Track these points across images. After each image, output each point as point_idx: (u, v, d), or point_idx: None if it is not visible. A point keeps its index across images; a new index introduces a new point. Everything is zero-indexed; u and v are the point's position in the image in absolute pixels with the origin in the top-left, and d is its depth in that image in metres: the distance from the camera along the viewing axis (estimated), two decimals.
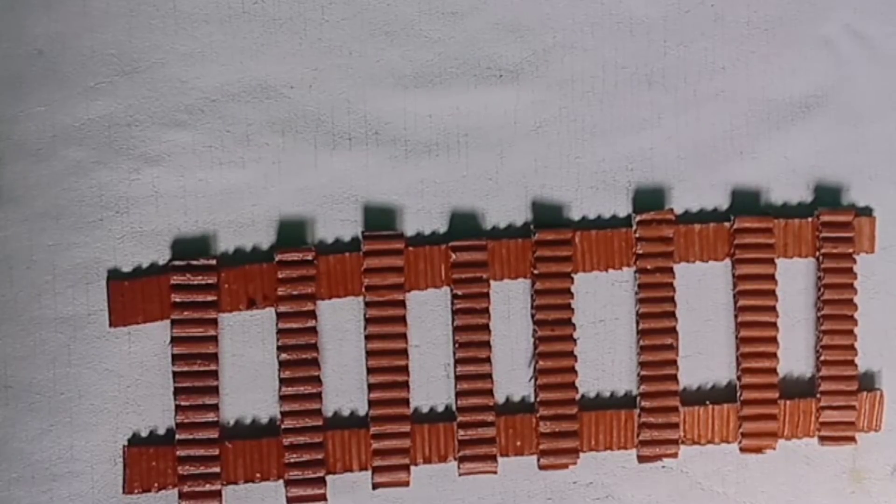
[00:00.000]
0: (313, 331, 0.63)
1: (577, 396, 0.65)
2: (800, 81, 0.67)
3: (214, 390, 0.62)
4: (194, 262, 0.62)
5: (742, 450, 0.66)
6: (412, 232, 0.65)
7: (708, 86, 0.67)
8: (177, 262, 0.62)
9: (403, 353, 0.64)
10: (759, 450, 0.66)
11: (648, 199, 0.66)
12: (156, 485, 0.61)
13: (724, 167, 0.67)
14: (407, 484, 0.63)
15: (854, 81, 0.68)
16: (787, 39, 0.67)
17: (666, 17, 0.66)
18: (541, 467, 0.65)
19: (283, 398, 0.63)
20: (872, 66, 0.68)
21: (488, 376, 0.64)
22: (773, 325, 0.66)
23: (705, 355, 0.66)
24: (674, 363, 0.65)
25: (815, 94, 0.67)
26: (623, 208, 0.66)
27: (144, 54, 0.62)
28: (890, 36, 0.68)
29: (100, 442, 0.61)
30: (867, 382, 0.67)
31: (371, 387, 0.63)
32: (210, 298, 0.62)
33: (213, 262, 0.62)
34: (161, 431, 0.62)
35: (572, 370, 0.65)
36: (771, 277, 0.66)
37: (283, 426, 0.62)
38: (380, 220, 0.64)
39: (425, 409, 0.64)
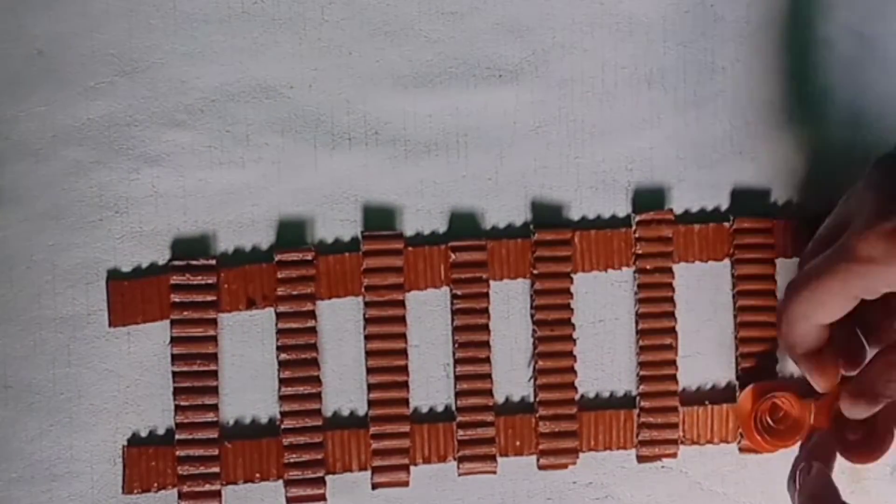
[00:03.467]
0: (313, 331, 0.63)
1: (577, 396, 0.65)
2: (800, 81, 0.67)
3: (214, 390, 0.62)
4: (194, 262, 0.62)
5: (742, 450, 0.66)
6: (412, 232, 0.65)
7: (708, 86, 0.67)
8: (176, 262, 0.62)
9: (403, 353, 0.64)
10: (758, 450, 0.66)
11: (648, 199, 0.66)
12: (155, 485, 0.61)
13: (724, 167, 0.67)
14: (406, 484, 0.63)
15: (854, 81, 0.68)
16: (787, 39, 0.67)
17: (665, 17, 0.66)
18: (540, 467, 0.65)
19: (283, 398, 0.63)
20: (872, 66, 0.68)
21: (488, 376, 0.64)
22: (773, 325, 0.66)
23: (705, 355, 0.66)
24: (673, 363, 0.65)
25: (815, 94, 0.67)
26: (623, 208, 0.66)
27: (144, 54, 0.62)
28: (890, 36, 0.68)
29: (99, 442, 0.61)
30: None
31: (371, 387, 0.63)
32: (210, 298, 0.62)
33: (213, 262, 0.62)
34: (161, 431, 0.62)
35: (572, 370, 0.65)
36: (771, 277, 0.66)
37: (282, 426, 0.63)
38: (379, 220, 0.64)
39: (425, 409, 0.64)
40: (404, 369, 0.64)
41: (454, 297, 0.64)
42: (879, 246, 0.51)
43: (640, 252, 0.65)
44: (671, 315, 0.65)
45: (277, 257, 0.63)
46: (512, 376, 0.65)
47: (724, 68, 0.67)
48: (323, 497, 0.63)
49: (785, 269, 0.66)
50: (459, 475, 0.64)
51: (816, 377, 0.59)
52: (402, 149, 0.64)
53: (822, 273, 0.54)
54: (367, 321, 0.64)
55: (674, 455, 0.65)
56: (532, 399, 0.65)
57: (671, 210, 0.66)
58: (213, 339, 0.62)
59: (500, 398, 0.65)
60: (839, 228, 0.56)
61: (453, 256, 0.64)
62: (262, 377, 0.63)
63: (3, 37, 0.61)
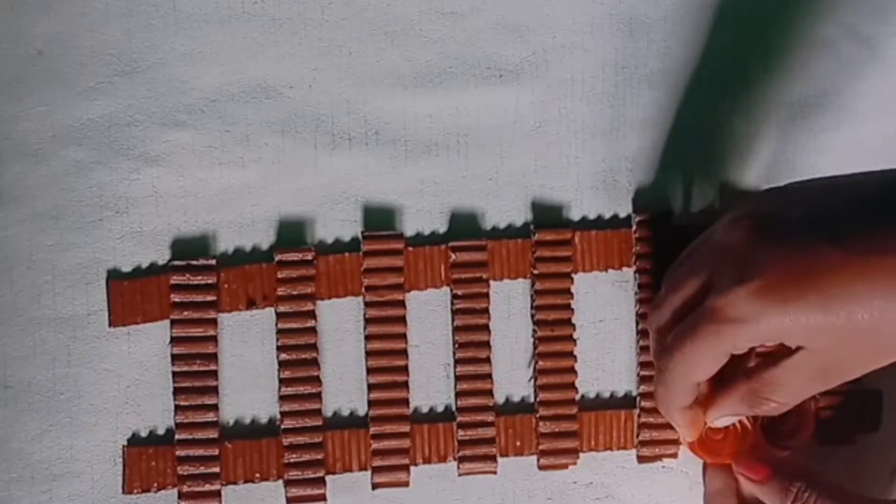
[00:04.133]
0: (313, 331, 0.63)
1: (577, 396, 0.65)
2: (800, 81, 0.67)
3: (214, 390, 0.62)
4: (194, 262, 0.62)
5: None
6: (412, 232, 0.65)
7: (708, 86, 0.67)
8: (176, 262, 0.62)
9: (403, 353, 0.64)
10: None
11: (648, 199, 0.66)
12: (155, 485, 0.61)
13: (724, 167, 0.67)
14: (407, 484, 0.63)
15: (854, 81, 0.68)
16: (788, 39, 0.67)
17: (666, 18, 0.66)
18: (541, 467, 0.65)
19: (283, 398, 0.63)
20: (872, 66, 0.68)
21: (488, 376, 0.64)
22: None
23: None
24: None
25: (815, 94, 0.67)
26: (623, 208, 0.66)
27: (144, 54, 0.62)
28: (890, 36, 0.68)
29: (99, 442, 0.61)
30: (866, 382, 0.67)
31: (371, 387, 0.63)
32: (210, 298, 0.62)
33: (213, 262, 0.62)
34: (161, 431, 0.62)
35: (572, 370, 0.65)
36: None
37: (282, 426, 0.62)
38: (380, 220, 0.64)
39: (425, 409, 0.64)
40: (404, 369, 0.64)
41: (454, 297, 0.64)
42: (745, 307, 0.52)
43: (640, 252, 0.65)
44: None
45: (277, 257, 0.63)
46: (512, 376, 0.65)
47: (724, 69, 0.67)
48: (323, 497, 0.63)
49: None
50: (459, 475, 0.64)
51: (686, 429, 0.61)
52: (402, 149, 0.64)
53: (694, 336, 0.55)
54: (367, 321, 0.63)
55: (674, 455, 0.65)
56: (532, 399, 0.65)
57: (671, 210, 0.66)
58: (213, 339, 0.62)
59: (500, 398, 0.65)
60: (694, 282, 0.56)
61: (453, 256, 0.64)
62: (262, 377, 0.63)
63: (3, 37, 0.61)
